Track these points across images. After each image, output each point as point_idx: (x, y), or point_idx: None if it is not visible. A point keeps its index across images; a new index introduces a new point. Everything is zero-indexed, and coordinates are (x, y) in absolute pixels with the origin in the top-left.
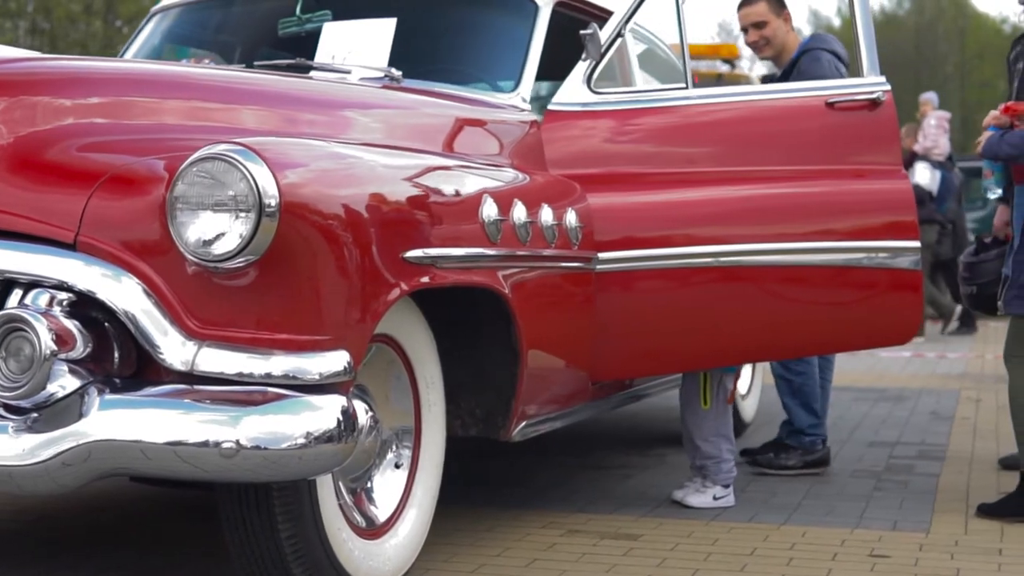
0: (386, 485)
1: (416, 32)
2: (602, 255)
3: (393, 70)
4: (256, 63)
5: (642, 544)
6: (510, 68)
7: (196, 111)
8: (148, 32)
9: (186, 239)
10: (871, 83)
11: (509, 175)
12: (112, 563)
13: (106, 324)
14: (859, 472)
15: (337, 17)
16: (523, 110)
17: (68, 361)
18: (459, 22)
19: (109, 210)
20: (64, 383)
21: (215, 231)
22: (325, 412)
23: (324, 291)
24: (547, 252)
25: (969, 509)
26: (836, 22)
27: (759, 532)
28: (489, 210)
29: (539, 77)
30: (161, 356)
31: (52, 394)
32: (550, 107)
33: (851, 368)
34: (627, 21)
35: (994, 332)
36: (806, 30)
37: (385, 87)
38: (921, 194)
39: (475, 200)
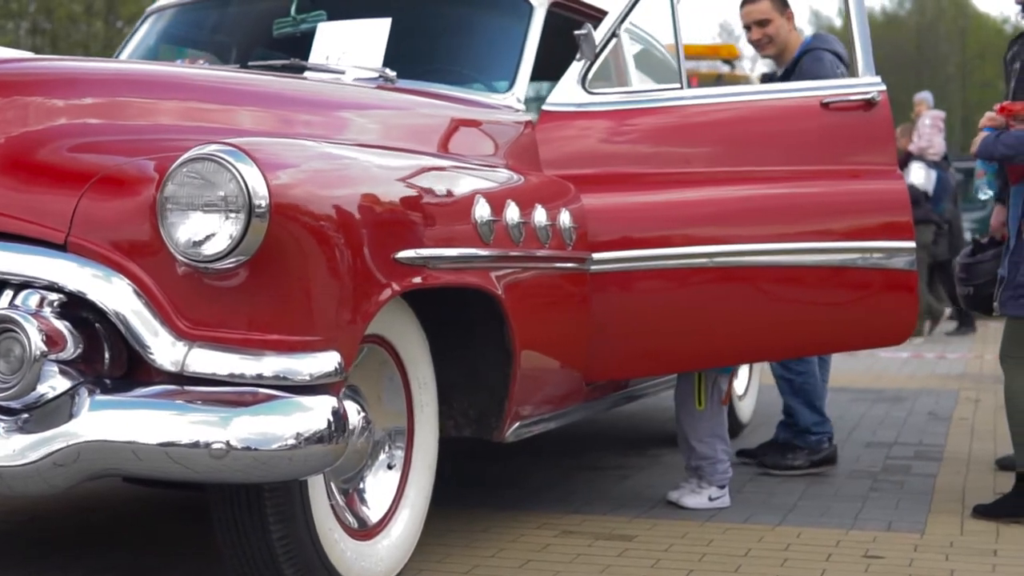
0: (378, 486)
1: (411, 32)
2: (597, 255)
3: (387, 70)
4: (250, 63)
5: (637, 545)
6: (505, 68)
7: (189, 111)
8: (143, 32)
9: (176, 240)
10: (866, 83)
11: (503, 176)
12: (104, 564)
13: (97, 325)
14: (856, 473)
15: (332, 17)
16: (517, 110)
17: (58, 362)
18: (454, 22)
19: (100, 211)
20: (54, 384)
21: (205, 232)
22: (315, 413)
23: (314, 292)
24: (541, 253)
25: (965, 510)
26: (837, 22)
27: (754, 533)
28: (482, 210)
29: (535, 77)
30: (151, 357)
31: (42, 395)
32: (544, 107)
33: (849, 368)
34: (621, 21)
35: (994, 332)
36: (807, 30)
37: (379, 87)
38: (916, 194)
39: (468, 200)
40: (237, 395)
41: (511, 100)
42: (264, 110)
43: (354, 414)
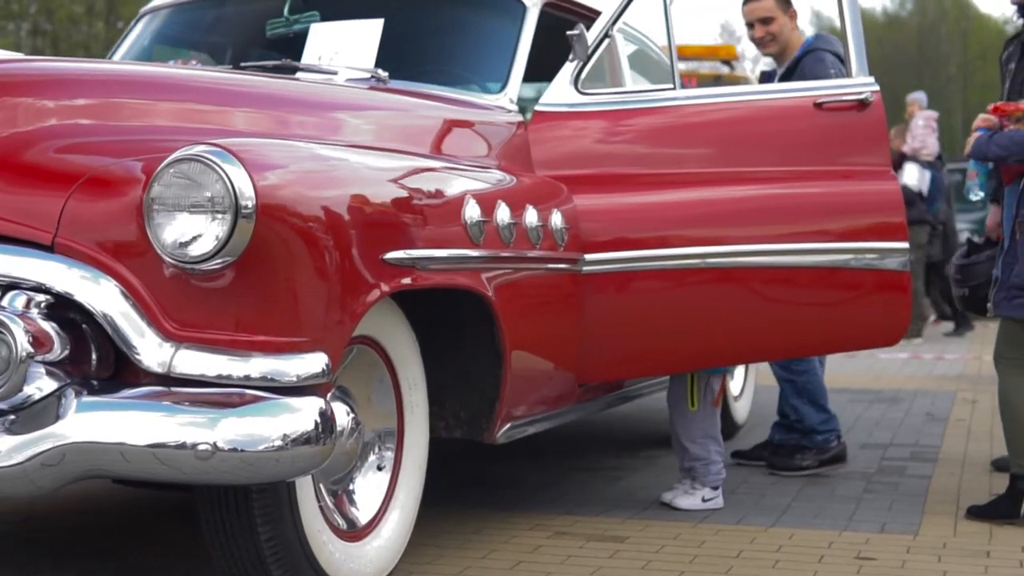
0: (368, 487)
1: (404, 33)
2: (589, 256)
3: (379, 71)
4: (242, 64)
5: (628, 546)
6: (497, 69)
7: (179, 112)
8: (137, 33)
9: (163, 241)
10: (859, 84)
11: (494, 176)
12: (95, 565)
13: (84, 326)
14: (850, 474)
15: (325, 18)
16: (510, 111)
17: (45, 363)
18: (446, 23)
19: (87, 212)
20: (41, 385)
21: (192, 232)
22: (303, 414)
23: (302, 293)
24: (532, 254)
25: (959, 511)
26: (839, 23)
27: (746, 534)
28: (472, 211)
29: (528, 78)
30: (138, 358)
31: (29, 396)
32: (537, 108)
33: (848, 369)
34: (614, 22)
35: (992, 333)
36: (808, 31)
37: (371, 88)
38: (910, 195)
39: (458, 201)
40: (224, 396)
41: (504, 101)
42: (255, 111)
43: (343, 415)
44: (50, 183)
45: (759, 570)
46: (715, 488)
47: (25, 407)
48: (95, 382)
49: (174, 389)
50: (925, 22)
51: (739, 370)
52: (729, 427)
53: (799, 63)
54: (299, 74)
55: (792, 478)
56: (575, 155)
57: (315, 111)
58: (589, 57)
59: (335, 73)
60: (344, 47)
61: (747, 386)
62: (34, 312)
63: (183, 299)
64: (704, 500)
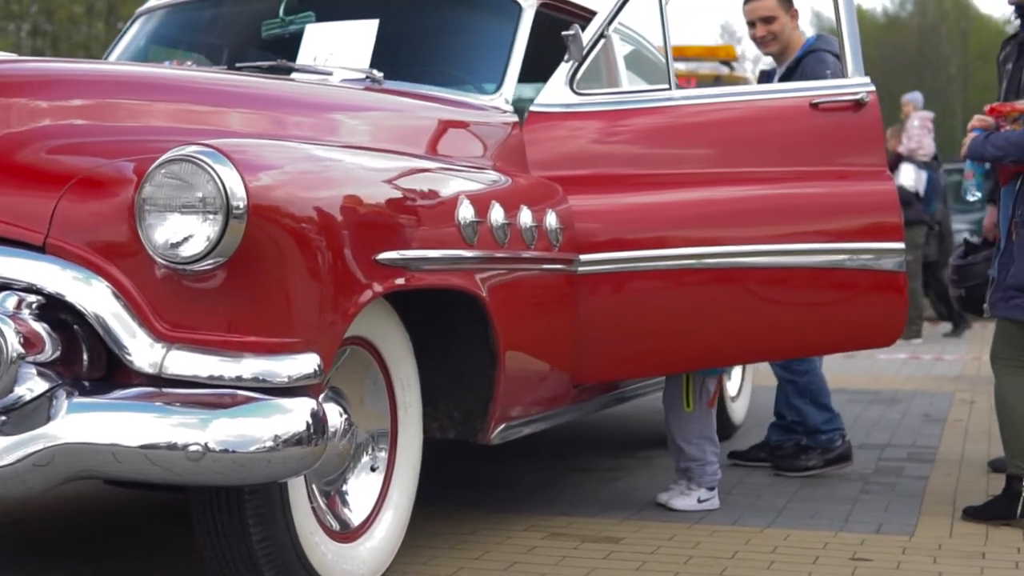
0: (361, 488)
1: (399, 33)
2: (584, 257)
3: (374, 71)
4: (237, 65)
5: (623, 547)
6: (493, 70)
7: (173, 113)
8: (133, 33)
9: (154, 241)
10: (855, 84)
11: (488, 177)
12: (87, 566)
13: (75, 327)
14: (847, 475)
15: (320, 19)
16: (505, 111)
17: (36, 364)
18: (442, 23)
19: (79, 212)
20: (32, 386)
21: (183, 233)
22: (294, 415)
23: (293, 293)
24: (526, 254)
25: (956, 512)
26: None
27: (742, 535)
28: (465, 212)
29: (528, 79)
30: (129, 359)
31: (20, 397)
32: (532, 108)
33: (846, 370)
34: (610, 22)
35: (992, 334)
36: (808, 31)
37: (366, 89)
38: (907, 195)
39: (451, 202)
40: (216, 397)
41: (499, 101)
42: (249, 111)
43: (336, 416)
44: (42, 184)
45: (753, 571)
46: (711, 489)
47: (16, 408)
48: (86, 383)
49: (165, 390)
50: (925, 23)
51: (736, 371)
52: (726, 428)
53: (800, 63)
54: (294, 75)
55: (789, 479)
56: (570, 156)
57: (310, 112)
58: (584, 57)
59: (330, 74)
60: (339, 48)
61: (744, 387)
62: (25, 313)
63: (174, 300)
64: (700, 501)
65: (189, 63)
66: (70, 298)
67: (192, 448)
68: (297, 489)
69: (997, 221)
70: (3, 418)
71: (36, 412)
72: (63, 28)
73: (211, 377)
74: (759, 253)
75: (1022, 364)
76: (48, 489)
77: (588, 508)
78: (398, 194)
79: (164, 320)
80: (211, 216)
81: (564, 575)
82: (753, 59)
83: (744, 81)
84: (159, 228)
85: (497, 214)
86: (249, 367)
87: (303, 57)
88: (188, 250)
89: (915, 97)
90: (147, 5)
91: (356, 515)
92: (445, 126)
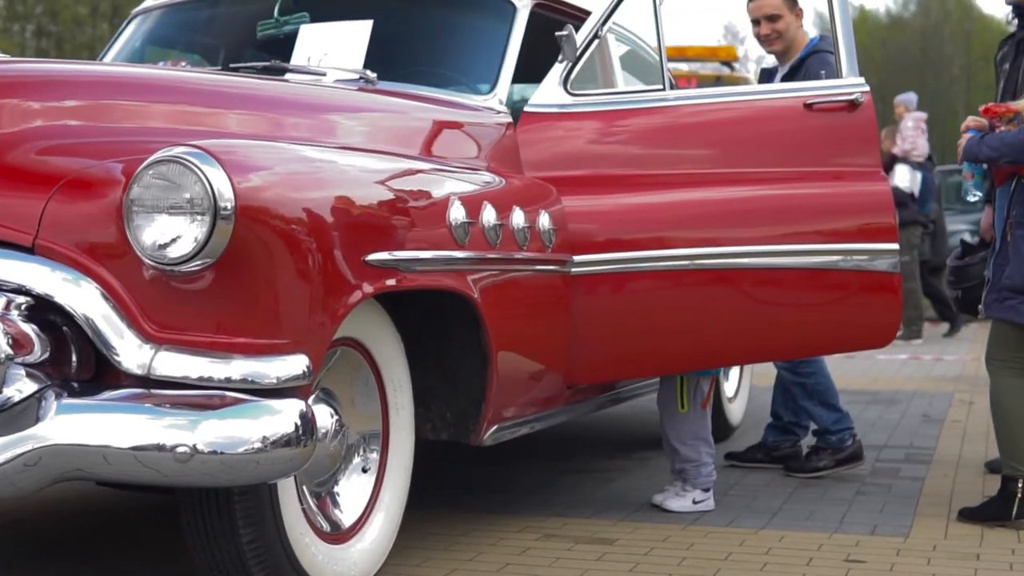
0: (352, 489)
1: (392, 34)
2: (577, 258)
3: (368, 72)
4: (231, 65)
5: (617, 549)
6: (487, 70)
7: (166, 114)
8: (129, 34)
9: (142, 242)
10: (850, 84)
11: (481, 178)
12: (80, 566)
13: (64, 328)
14: (844, 476)
15: (314, 19)
16: (499, 112)
17: (25, 365)
18: (436, 24)
19: (68, 213)
20: (21, 387)
21: (171, 234)
22: (283, 416)
23: (282, 294)
24: (518, 255)
25: (952, 513)
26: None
27: (736, 536)
28: (457, 213)
29: (525, 80)
30: (118, 360)
31: (8, 398)
32: (526, 109)
33: (846, 370)
34: (604, 23)
35: None
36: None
37: (360, 89)
38: (902, 196)
39: (443, 203)
40: (204, 398)
41: (493, 102)
42: (242, 112)
43: (326, 417)
44: (31, 185)
45: (746, 573)
46: (706, 490)
47: (5, 409)
48: (75, 384)
49: (154, 391)
50: (928, 23)
51: (734, 372)
52: (724, 429)
53: (803, 63)
54: (288, 75)
55: (786, 480)
56: (564, 156)
57: (303, 112)
58: (578, 58)
59: (324, 74)
60: (333, 48)
61: (742, 387)
62: (14, 314)
63: (163, 301)
64: (695, 502)
65: (183, 64)
66: (59, 299)
67: (180, 449)
68: (287, 490)
69: (993, 222)
70: None
71: (25, 413)
72: (68, 29)
73: (200, 378)
74: (752, 254)
75: (1017, 365)
76: (37, 490)
77: (583, 509)
78: (389, 195)
79: (152, 321)
80: (199, 217)
81: None
82: (756, 60)
83: (744, 81)
84: (147, 229)
85: (489, 215)
86: (238, 368)
87: (297, 58)
88: (176, 251)
89: (907, 98)
90: (143, 6)
91: (347, 517)
92: (439, 127)
